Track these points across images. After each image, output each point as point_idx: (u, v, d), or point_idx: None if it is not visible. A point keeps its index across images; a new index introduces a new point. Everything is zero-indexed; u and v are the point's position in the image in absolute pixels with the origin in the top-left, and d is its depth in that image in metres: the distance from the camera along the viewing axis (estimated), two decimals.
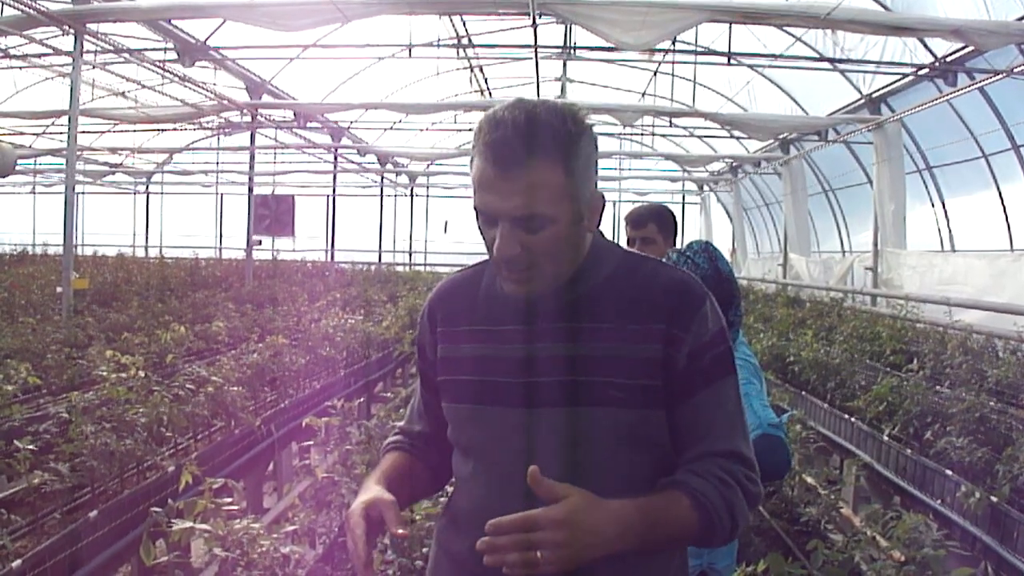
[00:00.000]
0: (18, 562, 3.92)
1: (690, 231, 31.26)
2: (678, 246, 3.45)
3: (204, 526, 3.17)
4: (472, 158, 1.66)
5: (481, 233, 1.71)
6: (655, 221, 3.88)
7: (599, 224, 1.77)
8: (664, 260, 1.97)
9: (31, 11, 9.90)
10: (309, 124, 19.91)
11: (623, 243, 2.57)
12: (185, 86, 14.43)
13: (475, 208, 1.67)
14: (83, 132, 19.59)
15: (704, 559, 3.15)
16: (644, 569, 1.69)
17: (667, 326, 1.68)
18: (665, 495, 1.64)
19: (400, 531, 1.62)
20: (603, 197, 1.74)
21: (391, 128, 24.39)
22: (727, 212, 30.00)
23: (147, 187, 33.93)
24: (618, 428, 1.66)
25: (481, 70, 18.08)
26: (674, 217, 3.99)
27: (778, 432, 2.84)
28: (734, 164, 25.84)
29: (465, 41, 15.22)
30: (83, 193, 31.00)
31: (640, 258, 1.84)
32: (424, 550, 3.79)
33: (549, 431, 1.66)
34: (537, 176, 1.59)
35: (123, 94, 16.59)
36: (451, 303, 1.88)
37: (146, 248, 33.52)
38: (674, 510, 1.62)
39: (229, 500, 3.46)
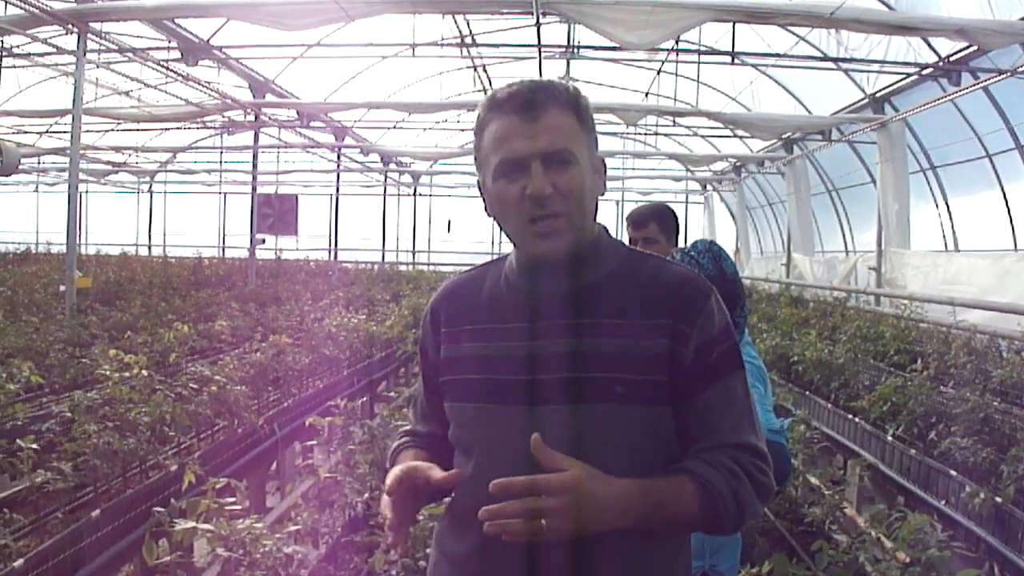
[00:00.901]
0: (20, 561, 3.92)
1: (693, 231, 31.26)
2: (681, 245, 3.43)
3: (206, 526, 3.16)
4: (482, 130, 1.76)
5: (496, 208, 1.76)
6: (656, 221, 3.85)
7: (605, 188, 1.84)
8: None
9: (34, 10, 9.90)
10: (312, 123, 19.90)
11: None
12: (188, 85, 14.42)
13: (496, 166, 1.71)
14: (86, 131, 19.56)
15: (707, 560, 3.13)
16: (646, 568, 1.69)
17: (673, 322, 1.69)
18: (670, 479, 1.64)
19: (450, 473, 1.66)
20: (604, 161, 1.84)
21: (394, 127, 24.35)
22: (730, 212, 29.97)
23: (150, 186, 33.89)
24: (623, 424, 1.65)
25: (484, 69, 18.04)
26: (676, 216, 3.96)
27: (779, 438, 2.81)
28: (737, 164, 25.82)
29: (468, 40, 15.17)
30: (86, 192, 31.00)
31: (643, 255, 1.86)
32: (427, 550, 3.79)
33: (554, 428, 1.64)
34: (557, 118, 1.70)
35: (127, 93, 16.60)
36: (454, 304, 1.88)
37: (149, 247, 33.53)
38: (678, 494, 1.62)
39: (232, 500, 3.45)
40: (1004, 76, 11.14)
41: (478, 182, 1.83)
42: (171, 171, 31.17)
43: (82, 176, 23.27)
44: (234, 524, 3.30)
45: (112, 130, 22.26)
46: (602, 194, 1.82)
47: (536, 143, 1.67)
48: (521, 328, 1.74)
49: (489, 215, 1.81)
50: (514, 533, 1.49)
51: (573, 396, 1.66)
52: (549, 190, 1.66)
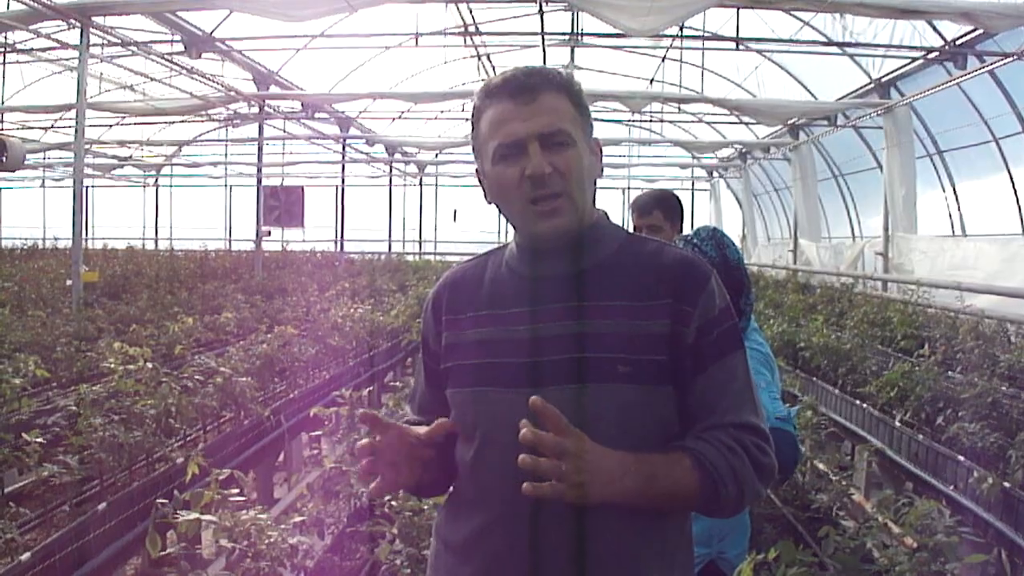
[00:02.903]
0: (27, 555, 3.93)
1: (700, 217, 31.24)
2: (685, 232, 3.40)
3: (210, 517, 3.16)
4: (479, 118, 1.78)
5: (496, 192, 1.78)
6: (661, 208, 3.82)
7: (602, 171, 1.86)
8: None
9: (37, 5, 9.90)
10: (317, 114, 19.93)
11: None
12: (192, 78, 14.46)
13: (495, 151, 1.73)
14: (91, 126, 19.62)
15: (714, 547, 3.11)
16: (647, 552, 1.68)
17: (674, 301, 1.70)
18: (667, 454, 1.65)
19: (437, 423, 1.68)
20: (600, 145, 1.87)
21: (399, 117, 24.38)
22: (737, 198, 29.93)
23: (156, 180, 33.93)
24: (625, 404, 1.66)
25: (488, 58, 18.01)
26: (680, 203, 3.92)
27: (786, 426, 2.77)
28: (743, 150, 25.74)
29: (472, 29, 15.13)
30: (92, 187, 31.10)
31: (643, 239, 1.89)
32: (431, 539, 3.79)
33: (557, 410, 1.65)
34: (552, 101, 1.73)
35: (131, 87, 16.62)
36: (456, 292, 1.89)
37: (156, 240, 33.59)
38: (674, 468, 1.62)
39: (236, 491, 3.45)
40: (1010, 59, 11.07)
41: (477, 170, 1.85)
42: (176, 164, 31.28)
43: (87, 171, 23.40)
44: (238, 516, 3.30)
45: (117, 124, 22.33)
46: (599, 176, 1.84)
47: (533, 125, 1.69)
48: (523, 312, 1.75)
49: (489, 202, 1.83)
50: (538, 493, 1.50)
51: (576, 377, 1.67)
52: (548, 169, 1.67)
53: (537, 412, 1.49)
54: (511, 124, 1.70)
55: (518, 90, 1.72)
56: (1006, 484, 5.37)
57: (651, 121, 24.33)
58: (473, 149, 1.83)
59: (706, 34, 15.43)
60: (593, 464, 1.52)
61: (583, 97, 1.80)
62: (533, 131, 1.69)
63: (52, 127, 22.68)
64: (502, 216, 1.82)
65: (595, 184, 1.81)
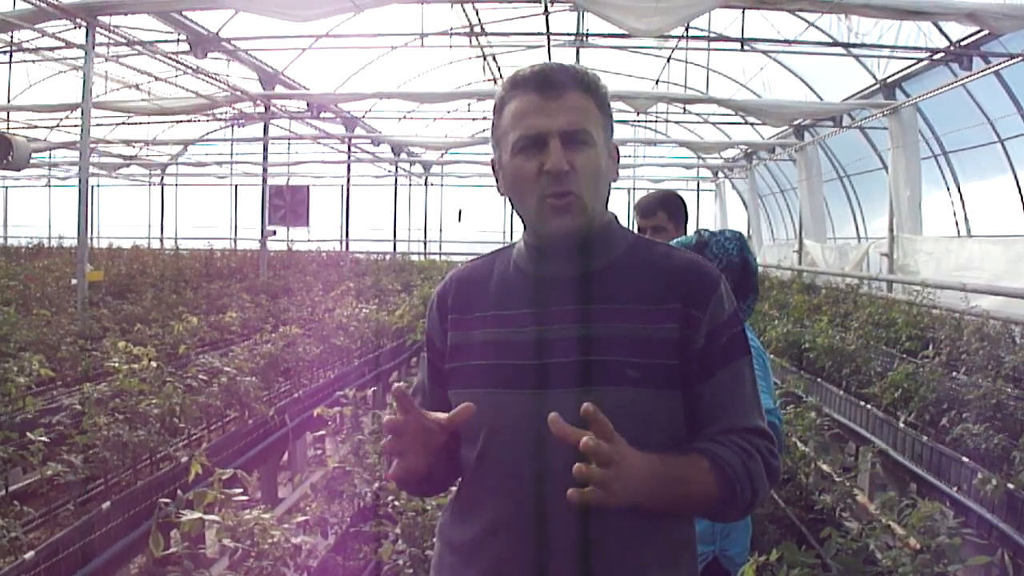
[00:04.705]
0: (31, 553, 3.93)
1: (705, 218, 31.23)
2: (689, 233, 3.41)
3: (213, 517, 3.16)
4: (502, 108, 1.77)
5: (512, 185, 1.76)
6: (664, 209, 3.81)
7: (618, 175, 1.85)
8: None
9: (43, 4, 9.91)
10: (323, 114, 19.91)
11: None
12: (198, 78, 14.45)
13: (515, 143, 1.73)
14: (97, 125, 19.63)
15: (717, 545, 3.12)
16: (653, 554, 1.69)
17: (683, 306, 1.70)
18: (686, 457, 1.65)
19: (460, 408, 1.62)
20: (618, 149, 1.85)
21: (405, 117, 24.36)
22: (742, 199, 29.87)
23: (162, 179, 33.98)
24: (633, 408, 1.65)
25: (494, 59, 17.99)
26: (684, 203, 3.90)
27: (772, 418, 2.80)
28: (748, 151, 25.69)
29: (478, 29, 15.13)
30: (98, 186, 31.11)
31: (650, 242, 1.88)
32: (434, 539, 3.79)
33: (564, 413, 1.62)
34: (577, 99, 1.72)
35: (136, 86, 16.63)
36: (462, 292, 1.88)
37: (161, 240, 33.67)
38: (694, 470, 1.63)
39: (240, 491, 3.45)
40: (1016, 60, 11.04)
41: (492, 162, 1.85)
42: (182, 164, 31.29)
43: (93, 170, 23.41)
44: (242, 515, 3.30)
45: (123, 123, 22.34)
46: (614, 180, 1.83)
47: (556, 121, 1.69)
48: (530, 313, 1.75)
49: (502, 193, 1.83)
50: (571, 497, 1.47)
51: (584, 380, 1.66)
52: (567, 167, 1.67)
53: (589, 420, 1.46)
54: (535, 117, 1.70)
55: (545, 84, 1.71)
56: (1010, 486, 5.36)
57: (656, 121, 24.29)
58: (492, 138, 1.83)
59: (711, 35, 15.42)
60: (627, 468, 1.50)
61: (608, 100, 1.80)
62: (555, 127, 1.68)
63: (58, 126, 22.69)
64: (510, 214, 1.82)
65: (610, 188, 1.81)
